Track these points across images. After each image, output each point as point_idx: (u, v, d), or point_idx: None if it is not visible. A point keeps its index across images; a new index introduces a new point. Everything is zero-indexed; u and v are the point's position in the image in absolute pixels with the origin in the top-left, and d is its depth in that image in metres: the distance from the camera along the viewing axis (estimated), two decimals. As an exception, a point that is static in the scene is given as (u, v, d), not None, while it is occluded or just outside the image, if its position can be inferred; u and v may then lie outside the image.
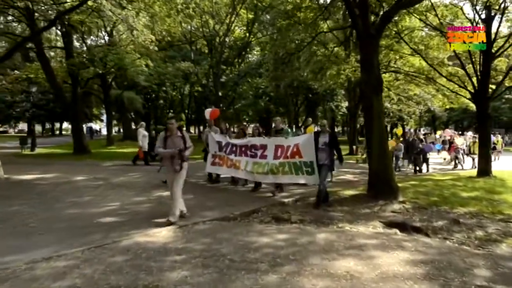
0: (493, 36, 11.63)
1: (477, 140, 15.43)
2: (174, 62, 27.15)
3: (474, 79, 12.09)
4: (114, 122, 47.20)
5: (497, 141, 20.41)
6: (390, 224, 5.81)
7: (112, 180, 9.35)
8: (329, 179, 8.74)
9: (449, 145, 17.66)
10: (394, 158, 13.00)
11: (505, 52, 12.00)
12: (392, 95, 24.69)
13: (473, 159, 14.96)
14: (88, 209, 6.03)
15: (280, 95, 32.05)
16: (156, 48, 16.49)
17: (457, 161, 15.49)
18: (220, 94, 21.62)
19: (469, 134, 27.49)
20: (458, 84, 12.45)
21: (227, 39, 20.08)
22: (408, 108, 33.48)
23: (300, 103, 41.29)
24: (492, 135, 24.49)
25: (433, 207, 6.77)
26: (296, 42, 11.09)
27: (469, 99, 12.62)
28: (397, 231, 5.47)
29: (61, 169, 11.50)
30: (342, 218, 5.95)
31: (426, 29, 17.44)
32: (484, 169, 11.74)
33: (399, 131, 18.16)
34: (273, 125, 11.92)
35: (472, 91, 12.06)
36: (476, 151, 14.54)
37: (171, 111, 53.16)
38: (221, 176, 9.29)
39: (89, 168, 11.99)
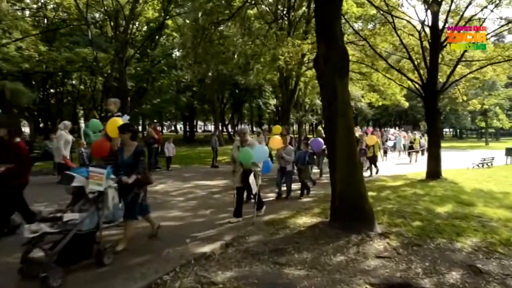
0: (441, 24, 10.48)
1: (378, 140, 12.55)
2: (77, 48, 22.30)
3: (421, 72, 10.86)
4: None
5: (414, 139, 17.62)
6: (387, 289, 3.46)
7: None
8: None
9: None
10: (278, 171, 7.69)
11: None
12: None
13: (371, 163, 11.30)
14: None
15: (204, 90, 29.02)
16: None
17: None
18: (130, 86, 17.76)
19: (392, 131, 27.08)
20: (407, 77, 11.05)
21: (135, 21, 16.37)
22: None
23: (226, 99, 38.72)
24: (404, 132, 24.23)
25: (426, 240, 4.65)
26: (221, 10, 8.35)
27: (416, 93, 11.32)
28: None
29: None
30: (307, 284, 3.39)
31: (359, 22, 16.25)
32: (435, 171, 10.53)
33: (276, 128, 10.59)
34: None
35: (420, 83, 10.77)
36: (377, 153, 11.88)
37: (83, 108, 46.25)
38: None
39: None
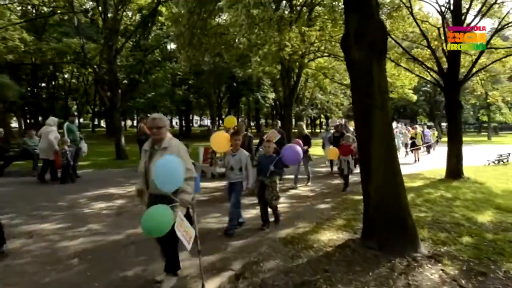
0: (465, 7, 9.48)
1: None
2: (67, 38, 21.07)
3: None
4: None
5: (415, 134, 15.53)
6: None
7: None
8: None
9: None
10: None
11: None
12: (326, 84, 22.58)
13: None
14: None
15: (201, 83, 27.90)
16: None
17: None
18: (121, 78, 16.56)
19: (394, 125, 24.82)
20: (427, 67, 10.04)
21: (126, 7, 15.03)
22: (335, 99, 32.26)
23: (223, 93, 37.55)
24: (404, 126, 21.90)
25: (489, 265, 3.67)
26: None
27: (435, 84, 10.35)
28: None
29: None
30: None
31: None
32: (456, 170, 9.56)
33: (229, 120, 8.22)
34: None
35: (439, 73, 9.78)
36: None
37: (76, 102, 44.90)
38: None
39: None
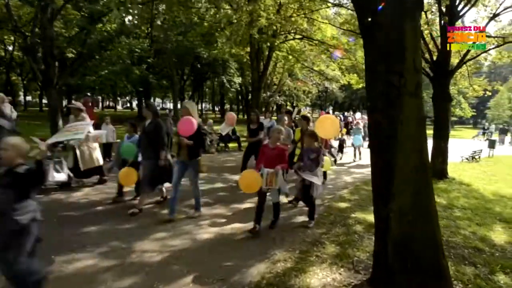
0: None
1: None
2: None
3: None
4: None
5: None
6: None
7: None
8: None
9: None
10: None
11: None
12: (297, 69, 21.33)
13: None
14: None
15: (162, 62, 25.56)
16: None
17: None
18: (62, 49, 14.05)
19: (358, 115, 21.42)
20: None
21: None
22: (303, 86, 31.22)
23: (186, 75, 35.21)
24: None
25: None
26: None
27: (423, 73, 9.36)
28: None
29: None
30: None
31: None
32: (441, 170, 8.74)
33: None
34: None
35: (429, 61, 8.76)
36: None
37: (22, 78, 40.18)
38: None
39: None
